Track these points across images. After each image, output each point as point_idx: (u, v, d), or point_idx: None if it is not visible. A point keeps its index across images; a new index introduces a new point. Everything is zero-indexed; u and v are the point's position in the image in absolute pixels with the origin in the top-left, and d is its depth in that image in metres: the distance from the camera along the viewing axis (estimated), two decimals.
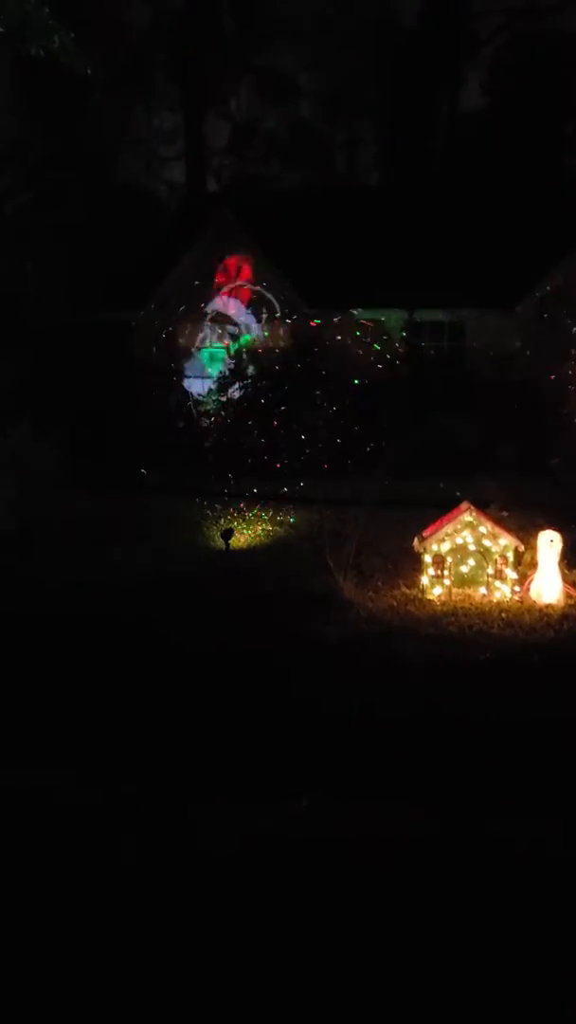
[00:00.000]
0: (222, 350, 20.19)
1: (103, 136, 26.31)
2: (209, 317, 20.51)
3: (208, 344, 20.61)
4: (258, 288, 20.02)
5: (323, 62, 31.27)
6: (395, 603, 9.59)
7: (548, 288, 18.21)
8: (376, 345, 19.00)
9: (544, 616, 9.18)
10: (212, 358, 20.46)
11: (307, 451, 16.70)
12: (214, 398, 19.12)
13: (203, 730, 6.77)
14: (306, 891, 4.80)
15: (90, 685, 7.55)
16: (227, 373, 19.26)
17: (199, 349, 20.66)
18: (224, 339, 20.29)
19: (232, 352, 19.78)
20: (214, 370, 19.99)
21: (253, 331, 20.21)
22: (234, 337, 20.07)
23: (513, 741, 6.55)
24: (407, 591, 9.94)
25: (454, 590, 9.84)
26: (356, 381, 18.09)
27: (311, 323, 19.35)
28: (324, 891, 4.80)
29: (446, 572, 9.86)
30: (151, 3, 29.81)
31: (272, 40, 31.23)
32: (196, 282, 20.11)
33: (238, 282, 20.25)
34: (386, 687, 7.48)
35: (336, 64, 30.78)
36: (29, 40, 14.27)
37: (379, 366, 18.41)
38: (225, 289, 20.40)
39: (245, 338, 20.06)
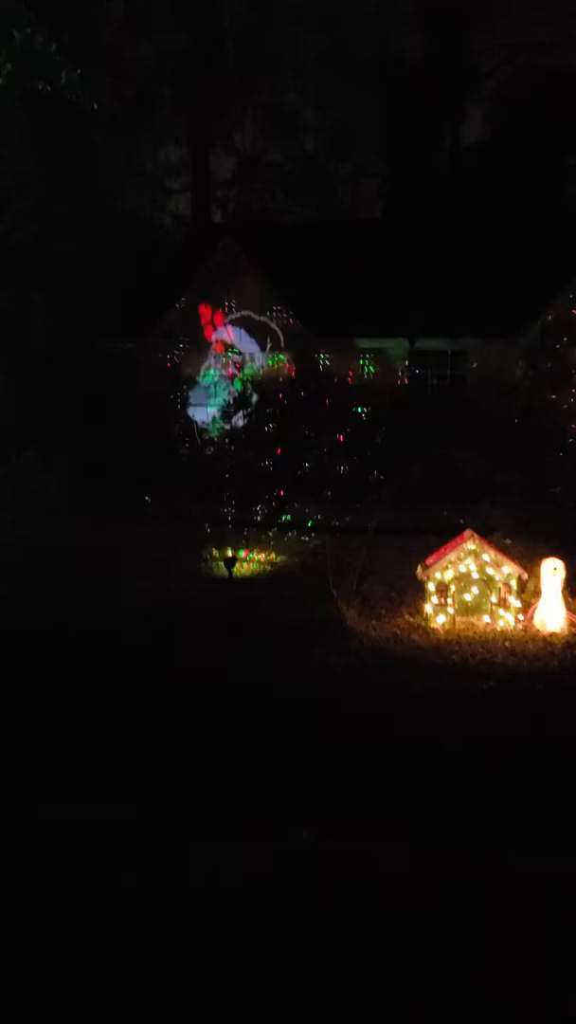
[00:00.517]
0: (226, 378, 20.27)
1: (109, 169, 26.59)
2: (213, 346, 20.62)
3: (212, 372, 20.69)
4: (262, 317, 20.14)
5: (326, 97, 31.70)
6: (398, 632, 9.52)
7: (550, 317, 18.27)
8: (376, 372, 19.09)
9: (548, 645, 9.11)
10: (216, 386, 20.52)
11: (310, 479, 16.70)
12: (218, 426, 19.16)
13: (202, 760, 6.70)
14: (305, 927, 4.72)
15: (87, 715, 7.47)
16: (231, 401, 19.33)
17: (203, 377, 20.74)
18: (228, 367, 20.37)
19: (236, 380, 19.85)
20: (218, 398, 20.05)
21: (257, 359, 20.30)
22: (238, 365, 20.15)
23: (516, 770, 6.46)
24: (410, 619, 9.88)
25: (458, 618, 9.77)
26: (359, 409, 18.13)
27: (315, 352, 19.45)
28: (322, 927, 4.72)
29: (449, 600, 9.79)
30: (156, 40, 30.30)
31: (276, 76, 31.68)
32: (200, 310, 20.25)
33: (242, 311, 20.38)
34: (389, 716, 7.40)
35: (339, 99, 31.20)
36: (36, 76, 14.48)
37: (382, 394, 18.46)
38: (230, 318, 20.52)
39: (249, 368, 20.15)
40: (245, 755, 6.74)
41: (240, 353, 20.39)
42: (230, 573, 11.82)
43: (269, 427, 18.27)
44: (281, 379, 19.62)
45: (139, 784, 6.37)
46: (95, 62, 23.70)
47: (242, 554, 12.67)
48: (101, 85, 24.78)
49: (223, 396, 19.87)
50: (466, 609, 9.83)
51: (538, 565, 9.92)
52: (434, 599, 9.81)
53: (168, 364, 20.17)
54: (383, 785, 6.30)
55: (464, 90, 31.33)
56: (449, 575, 9.80)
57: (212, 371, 20.70)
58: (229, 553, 12.21)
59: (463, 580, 9.81)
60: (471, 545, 9.79)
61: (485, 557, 9.78)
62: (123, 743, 6.97)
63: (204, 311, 20.33)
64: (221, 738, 7.04)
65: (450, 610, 9.78)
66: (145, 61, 30.16)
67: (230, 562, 11.89)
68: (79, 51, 18.04)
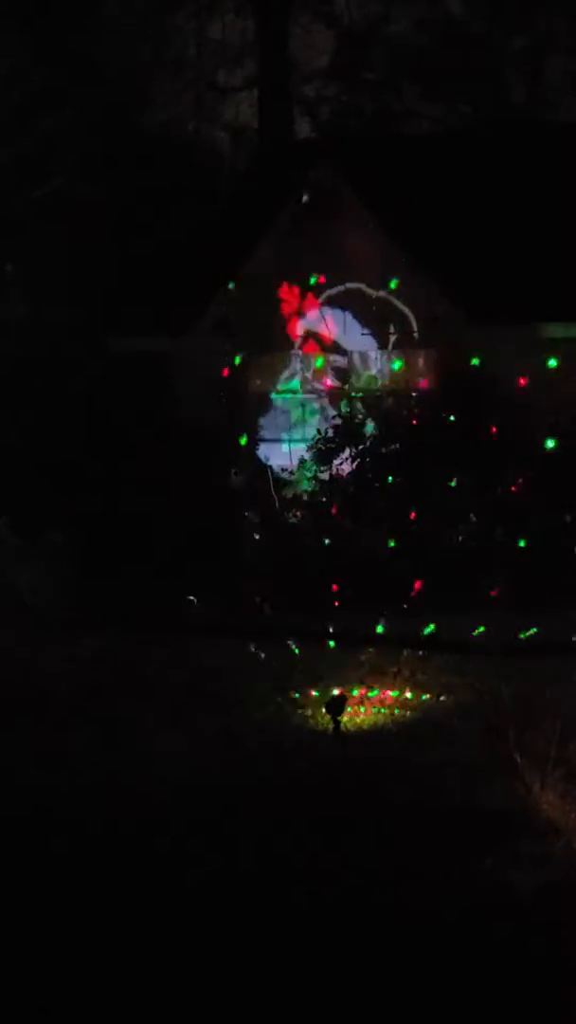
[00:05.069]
0: (321, 394, 20.42)
1: (128, 57, 27.43)
2: (299, 344, 20.85)
3: (298, 386, 20.89)
4: (381, 293, 20.32)
5: None
6: None
7: None
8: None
9: None
10: (304, 408, 20.69)
11: (468, 562, 16.62)
12: (309, 475, 19.26)
13: None
14: None
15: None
16: (330, 433, 19.42)
17: (283, 394, 20.95)
18: (325, 377, 20.53)
19: (341, 400, 19.98)
20: (308, 428, 20.19)
21: (373, 362, 20.44)
22: (342, 373, 20.28)
23: None
24: None
25: None
26: (551, 443, 18.01)
27: (470, 347, 19.46)
28: None
29: None
30: None
31: None
32: (277, 285, 20.51)
33: (348, 284, 20.60)
34: None
35: None
36: None
37: None
38: (326, 295, 20.76)
39: (361, 378, 20.27)
40: None
41: (345, 353, 20.58)
42: (336, 725, 11.77)
43: (394, 475, 18.30)
44: (414, 394, 19.68)
45: None
46: None
47: (356, 693, 12.63)
48: None
49: (316, 425, 20.00)
50: None
51: None
52: None
53: (225, 373, 20.45)
54: None
55: None
56: None
57: (297, 383, 20.91)
58: (335, 691, 12.16)
59: None
60: None
61: None
62: None
63: (282, 285, 20.57)
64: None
65: None
66: None
67: (336, 706, 11.84)
68: None
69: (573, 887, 8.41)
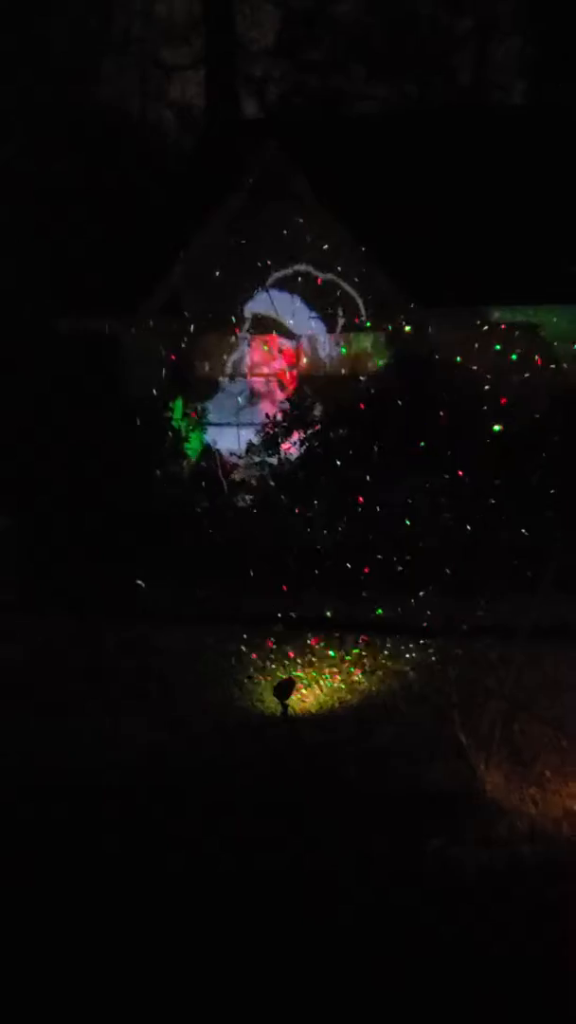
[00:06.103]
0: (269, 378, 20.47)
1: (71, 36, 27.32)
2: (248, 325, 20.88)
3: (246, 369, 20.93)
4: (329, 276, 20.38)
5: None
6: None
7: None
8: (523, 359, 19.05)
9: None
10: (253, 392, 20.74)
11: (417, 545, 16.71)
12: (257, 459, 19.31)
13: None
14: None
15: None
16: (278, 417, 19.48)
17: (232, 378, 20.98)
18: (273, 360, 20.57)
19: (288, 382, 20.04)
20: (256, 412, 20.24)
21: (322, 345, 20.50)
22: (290, 356, 20.33)
23: None
24: None
25: None
26: (497, 428, 18.15)
27: (418, 329, 19.55)
28: None
29: None
30: None
31: None
32: (225, 267, 20.53)
33: (295, 267, 20.64)
34: (570, 966, 7.30)
35: None
36: None
37: (535, 397, 18.42)
38: (273, 279, 20.80)
39: (316, 360, 20.32)
40: None
41: (294, 336, 20.63)
42: (284, 708, 11.83)
43: (342, 459, 18.38)
44: (362, 376, 19.77)
45: None
46: None
47: (303, 677, 12.70)
48: None
49: (265, 408, 20.05)
50: None
51: None
52: None
53: (172, 356, 20.47)
54: None
55: None
56: None
57: (246, 366, 20.95)
58: (285, 674, 12.28)
59: None
60: None
61: None
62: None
63: (229, 267, 20.55)
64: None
65: None
66: None
67: (284, 689, 11.91)
68: None
69: (519, 866, 8.50)
